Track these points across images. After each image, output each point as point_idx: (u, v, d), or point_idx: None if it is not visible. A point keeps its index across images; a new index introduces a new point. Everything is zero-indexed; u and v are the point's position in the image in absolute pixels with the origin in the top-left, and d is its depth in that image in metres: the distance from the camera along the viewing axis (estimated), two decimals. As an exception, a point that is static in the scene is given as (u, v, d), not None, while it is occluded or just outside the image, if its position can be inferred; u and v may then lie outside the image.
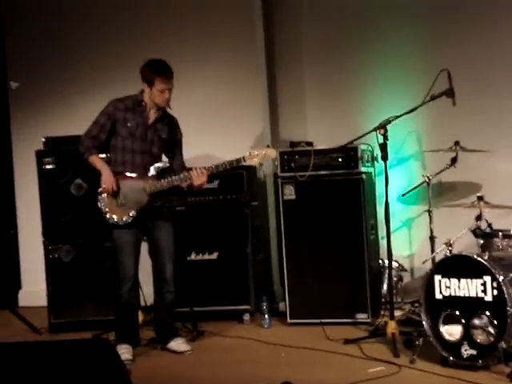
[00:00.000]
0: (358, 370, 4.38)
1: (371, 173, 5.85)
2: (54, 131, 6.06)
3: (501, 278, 4.19)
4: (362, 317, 5.54)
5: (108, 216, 4.80)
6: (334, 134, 6.05)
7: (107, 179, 4.80)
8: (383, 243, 5.44)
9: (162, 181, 4.83)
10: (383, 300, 5.70)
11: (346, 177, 5.62)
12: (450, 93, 4.81)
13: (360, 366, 4.48)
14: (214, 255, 5.92)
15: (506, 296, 4.15)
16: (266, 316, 5.64)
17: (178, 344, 5.03)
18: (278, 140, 6.50)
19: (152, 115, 4.91)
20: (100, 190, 4.83)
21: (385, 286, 5.78)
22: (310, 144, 5.91)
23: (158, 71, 4.83)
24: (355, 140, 5.18)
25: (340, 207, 5.63)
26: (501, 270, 4.23)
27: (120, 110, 4.85)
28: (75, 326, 5.67)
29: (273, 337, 5.27)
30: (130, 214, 4.78)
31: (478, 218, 5.06)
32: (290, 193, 5.73)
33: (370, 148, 5.73)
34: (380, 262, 5.89)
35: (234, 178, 5.87)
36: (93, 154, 4.88)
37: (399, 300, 5.83)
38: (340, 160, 5.65)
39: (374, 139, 4.89)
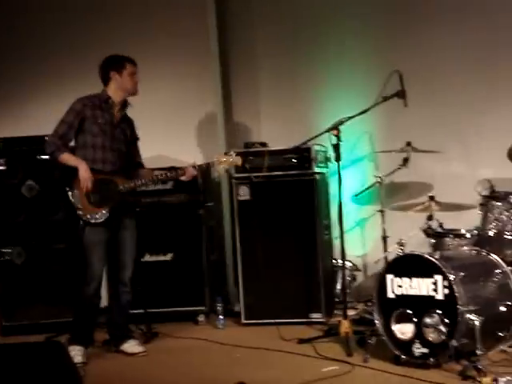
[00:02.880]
0: (311, 370, 4.40)
1: (325, 173, 5.90)
2: (3, 132, 5.96)
3: (451, 277, 4.25)
4: (316, 316, 5.57)
5: (81, 212, 4.74)
6: (288, 135, 6.08)
7: (85, 175, 4.72)
8: (337, 243, 5.49)
9: (137, 180, 4.83)
10: (337, 299, 5.75)
11: (300, 177, 5.65)
12: (401, 94, 4.86)
13: (314, 366, 4.50)
14: (169, 256, 5.90)
15: (457, 295, 4.20)
16: (221, 317, 5.64)
17: (131, 346, 5.00)
18: (232, 141, 6.51)
19: (117, 114, 4.90)
20: (68, 187, 4.76)
21: (338, 286, 5.84)
22: (264, 145, 5.93)
23: (125, 57, 4.89)
24: (309, 141, 5.21)
25: (294, 208, 5.66)
26: (452, 269, 4.29)
27: (88, 107, 4.79)
28: (27, 329, 5.59)
29: (227, 337, 5.27)
30: (104, 212, 4.73)
31: (430, 217, 5.15)
32: (244, 193, 5.74)
33: (323, 149, 5.78)
34: (334, 261, 5.95)
35: (189, 178, 5.85)
36: (63, 152, 4.77)
37: (353, 299, 5.90)
38: (294, 161, 5.68)
39: (328, 140, 4.92)
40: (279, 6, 6.47)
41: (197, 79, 6.40)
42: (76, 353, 4.71)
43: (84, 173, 4.71)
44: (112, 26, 6.43)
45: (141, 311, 5.49)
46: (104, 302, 5.26)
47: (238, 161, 4.96)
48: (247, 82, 6.60)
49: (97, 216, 4.72)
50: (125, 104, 4.94)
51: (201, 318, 5.82)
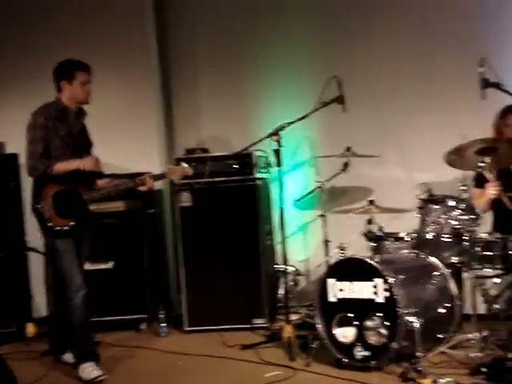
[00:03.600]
0: (254, 375, 4.41)
1: (266, 179, 5.92)
2: None
3: (391, 280, 4.30)
4: (259, 322, 5.58)
5: (50, 224, 4.58)
6: (230, 141, 6.09)
7: (87, 162, 4.61)
8: (279, 248, 5.50)
9: (100, 190, 4.73)
10: (280, 304, 5.76)
11: (242, 183, 5.66)
12: (340, 99, 4.92)
13: (257, 371, 4.51)
14: (110, 264, 5.83)
15: (397, 297, 4.27)
16: (163, 324, 5.60)
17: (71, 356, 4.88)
18: (173, 147, 6.49)
19: (76, 122, 4.76)
20: (36, 199, 4.61)
21: (281, 291, 5.85)
22: (205, 151, 5.93)
23: (77, 64, 4.70)
24: (250, 146, 5.22)
25: (236, 213, 5.66)
26: (391, 272, 4.35)
27: (50, 119, 4.60)
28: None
29: (170, 345, 5.24)
30: (71, 223, 4.60)
31: (370, 221, 5.22)
32: (186, 200, 5.71)
33: (264, 154, 5.80)
34: (276, 267, 5.96)
35: (129, 185, 5.80)
36: (53, 164, 4.57)
37: (296, 304, 5.92)
38: (235, 166, 5.69)
39: (269, 146, 4.93)
40: (219, 14, 6.46)
41: (137, 86, 6.34)
42: (92, 369, 4.56)
43: (86, 162, 4.61)
44: (64, 37, 6.32)
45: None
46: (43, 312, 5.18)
47: (189, 171, 4.93)
48: (188, 89, 6.57)
49: (66, 228, 4.59)
50: (80, 111, 4.80)
51: (143, 326, 5.77)
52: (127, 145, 6.23)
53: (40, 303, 5.77)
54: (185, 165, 4.95)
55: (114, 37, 6.35)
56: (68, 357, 4.90)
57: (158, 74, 6.48)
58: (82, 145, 4.78)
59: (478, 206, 4.81)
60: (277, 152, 4.87)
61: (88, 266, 5.71)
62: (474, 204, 4.78)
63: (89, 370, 4.53)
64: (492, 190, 4.71)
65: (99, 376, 4.51)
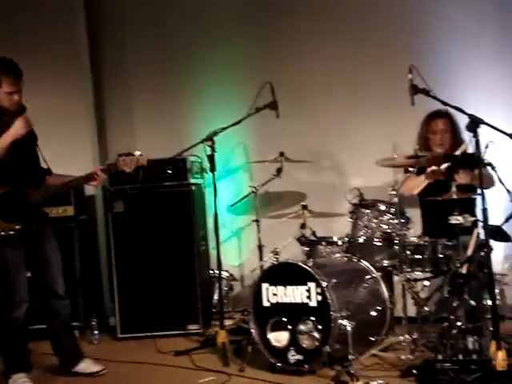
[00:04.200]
0: (188, 382, 4.40)
1: (200, 184, 5.92)
2: None
3: (324, 284, 4.35)
4: (193, 328, 5.57)
5: None
6: (163, 146, 6.03)
7: (17, 127, 4.34)
8: (213, 254, 5.50)
9: (47, 189, 4.50)
10: (214, 310, 5.76)
11: (176, 188, 5.64)
12: (273, 105, 4.95)
13: (191, 377, 4.49)
14: (41, 271, 5.71)
15: (330, 301, 4.31)
16: (96, 332, 5.53)
17: (88, 365, 4.68)
18: (106, 152, 6.41)
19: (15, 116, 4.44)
20: None
21: (216, 296, 5.84)
22: (138, 156, 5.86)
23: (5, 71, 4.36)
24: (184, 152, 5.18)
25: (170, 219, 5.64)
26: (324, 276, 4.39)
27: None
28: None
29: (103, 352, 5.16)
30: (17, 227, 4.35)
31: (303, 226, 5.26)
32: (119, 206, 5.66)
33: (198, 160, 5.79)
34: (211, 272, 5.95)
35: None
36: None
37: (230, 309, 5.92)
38: (169, 172, 5.66)
39: (203, 151, 4.93)
40: (151, 20, 6.43)
41: (69, 90, 6.25)
42: (23, 380, 4.42)
43: (18, 129, 4.34)
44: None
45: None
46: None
47: (144, 160, 4.59)
48: (121, 94, 6.50)
49: (11, 232, 4.34)
50: (23, 110, 4.49)
51: (75, 333, 5.67)
52: (59, 150, 6.05)
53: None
54: (138, 153, 4.63)
55: (45, 41, 6.24)
56: (82, 366, 4.69)
57: (90, 78, 6.40)
58: (25, 145, 4.45)
59: (407, 188, 4.92)
60: (211, 157, 4.86)
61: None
62: (404, 189, 4.93)
63: (20, 382, 4.41)
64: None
65: None
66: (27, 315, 4.50)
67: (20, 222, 4.37)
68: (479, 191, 4.04)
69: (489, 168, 4.30)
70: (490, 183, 4.54)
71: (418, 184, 4.99)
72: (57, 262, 4.59)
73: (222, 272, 5.38)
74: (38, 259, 4.53)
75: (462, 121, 4.12)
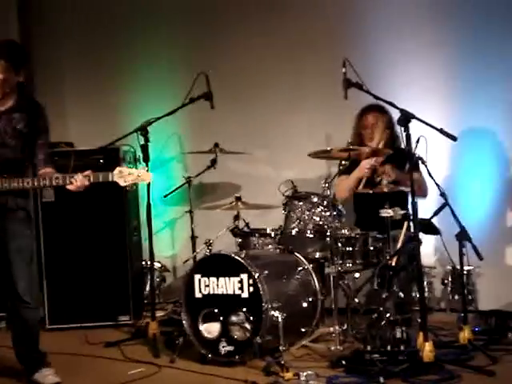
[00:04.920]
0: (118, 373, 4.33)
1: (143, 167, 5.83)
2: None
3: (256, 275, 4.35)
4: (124, 319, 5.52)
5: None
6: (96, 135, 5.96)
7: None
8: (146, 244, 5.44)
9: (4, 181, 4.01)
10: (146, 301, 5.71)
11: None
12: (208, 96, 4.93)
13: (120, 369, 4.43)
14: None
15: (262, 292, 4.31)
16: (24, 323, 5.41)
17: (44, 376, 4.20)
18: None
19: (5, 101, 4.07)
20: None
21: (147, 287, 5.80)
22: (70, 145, 5.78)
23: None
24: (116, 141, 5.12)
25: (102, 209, 5.56)
26: (257, 268, 4.39)
27: None
28: None
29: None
30: None
31: (236, 217, 5.27)
32: (49, 195, 5.55)
33: (132, 149, 5.72)
34: (143, 263, 5.91)
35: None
36: None
37: (162, 301, 5.89)
38: (101, 161, 5.58)
39: (136, 141, 4.87)
40: (85, 9, 6.34)
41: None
42: None
43: None
44: None
45: None
46: None
47: (148, 178, 4.12)
48: (53, 82, 6.40)
49: None
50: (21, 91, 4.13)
51: (1, 324, 5.56)
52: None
53: None
54: (143, 169, 4.17)
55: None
56: (38, 376, 4.21)
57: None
58: (7, 129, 4.08)
59: (341, 191, 4.98)
60: (144, 147, 4.81)
61: None
62: (337, 192, 4.96)
63: None
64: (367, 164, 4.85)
65: None
66: None
67: None
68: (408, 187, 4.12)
69: (423, 174, 4.38)
70: (422, 191, 4.65)
71: (348, 186, 5.06)
72: (18, 262, 4.14)
73: (155, 263, 5.35)
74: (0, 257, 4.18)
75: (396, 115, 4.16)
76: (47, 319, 5.50)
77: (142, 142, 4.82)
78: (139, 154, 5.12)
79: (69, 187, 4.05)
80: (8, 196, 4.06)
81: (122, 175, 4.03)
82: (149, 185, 4.81)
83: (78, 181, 4.01)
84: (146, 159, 4.81)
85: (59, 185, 4.07)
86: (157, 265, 5.86)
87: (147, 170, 4.16)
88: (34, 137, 4.17)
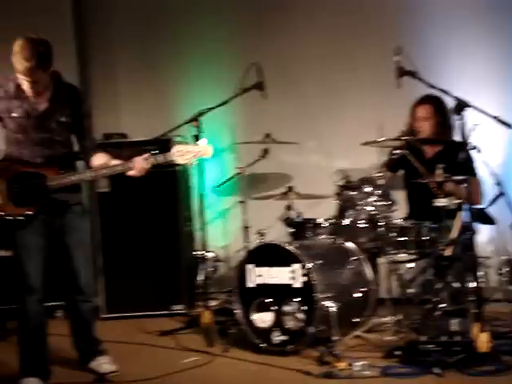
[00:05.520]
0: (172, 362, 4.39)
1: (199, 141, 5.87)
2: None
3: (309, 266, 4.35)
4: (178, 308, 5.59)
5: (1, 212, 3.95)
6: (149, 126, 6.00)
7: None
8: (199, 234, 5.49)
9: (70, 175, 3.97)
10: (199, 291, 5.75)
11: (161, 169, 5.49)
12: (260, 86, 4.94)
13: (175, 358, 4.49)
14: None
15: (314, 282, 4.32)
16: (80, 311, 5.51)
17: (100, 364, 4.22)
18: (91, 132, 6.36)
19: (42, 98, 3.97)
20: None
21: (200, 277, 5.83)
22: (123, 136, 5.84)
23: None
24: (169, 132, 5.18)
25: (156, 199, 5.62)
26: (309, 258, 4.40)
27: (1, 98, 3.97)
28: None
29: (87, 332, 5.15)
30: (28, 213, 3.94)
31: (288, 207, 5.27)
32: (104, 185, 5.63)
33: (184, 140, 5.75)
34: (196, 253, 5.94)
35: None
36: None
37: (215, 290, 5.92)
38: (154, 152, 5.62)
39: (189, 131, 4.90)
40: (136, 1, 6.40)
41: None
42: None
43: None
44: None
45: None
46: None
47: (208, 152, 3.98)
48: (107, 73, 6.45)
49: (19, 218, 3.94)
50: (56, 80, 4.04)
51: (59, 313, 5.67)
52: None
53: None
54: (203, 143, 4.04)
55: (31, 20, 6.19)
56: (94, 365, 4.24)
57: (76, 57, 6.35)
58: (52, 125, 4.00)
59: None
60: (197, 138, 4.84)
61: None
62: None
63: None
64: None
65: None
66: (43, 308, 4.09)
67: (32, 208, 3.96)
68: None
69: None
70: (477, 200, 4.58)
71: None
72: (78, 256, 4.13)
73: (207, 253, 5.38)
74: (60, 251, 4.14)
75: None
76: (103, 308, 5.59)
77: (195, 133, 4.84)
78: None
79: (130, 173, 3.95)
80: (62, 192, 4.01)
81: (182, 153, 3.93)
82: (201, 175, 4.83)
83: (138, 165, 3.92)
84: (199, 150, 4.82)
85: (119, 172, 3.99)
86: (210, 255, 5.87)
87: (207, 143, 4.00)
88: (79, 123, 4.11)
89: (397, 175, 5.27)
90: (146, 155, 3.97)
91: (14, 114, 3.97)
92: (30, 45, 3.82)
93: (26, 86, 3.92)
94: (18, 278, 4.06)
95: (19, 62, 3.81)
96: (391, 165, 5.09)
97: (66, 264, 4.15)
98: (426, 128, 5.11)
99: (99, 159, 4.08)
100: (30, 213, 3.96)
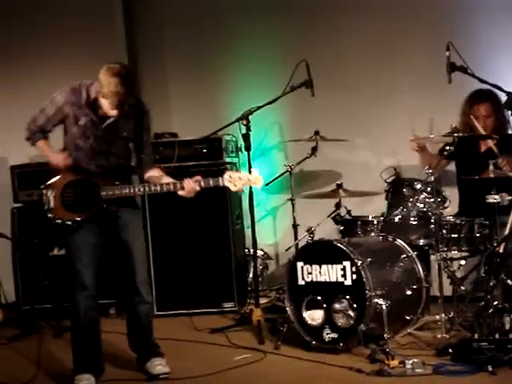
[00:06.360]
0: (224, 359, 4.42)
1: (236, 163, 5.93)
2: None
3: (359, 263, 4.34)
4: (228, 305, 5.61)
5: (51, 215, 4.07)
6: (199, 125, 6.06)
7: (55, 158, 4.09)
8: (248, 232, 5.51)
9: (123, 187, 4.06)
10: (249, 288, 5.79)
11: (211, 167, 5.64)
12: (308, 83, 4.93)
13: (226, 355, 4.53)
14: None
15: (365, 280, 4.30)
16: (133, 309, 5.58)
17: (153, 366, 4.25)
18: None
19: (110, 111, 4.04)
20: (43, 185, 4.09)
21: (251, 275, 5.87)
22: (174, 135, 5.91)
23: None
24: (219, 131, 5.21)
25: (205, 197, 5.58)
26: (359, 255, 4.38)
27: (70, 104, 4.07)
28: None
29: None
30: (77, 219, 4.04)
31: (338, 205, 5.26)
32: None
33: (233, 138, 5.80)
34: (246, 250, 5.98)
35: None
36: (39, 139, 4.19)
37: (265, 288, 5.95)
38: (205, 151, 5.70)
39: (238, 130, 4.93)
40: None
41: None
42: (86, 383, 4.06)
43: (53, 158, 4.10)
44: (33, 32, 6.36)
45: (49, 306, 5.39)
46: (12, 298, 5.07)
47: (259, 182, 4.05)
48: (156, 73, 6.55)
49: (67, 222, 4.05)
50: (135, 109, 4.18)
51: (112, 310, 5.76)
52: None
53: (8, 289, 5.72)
54: (255, 173, 4.11)
55: (81, 20, 6.31)
56: (147, 366, 4.27)
57: (127, 57, 6.43)
58: (112, 137, 4.10)
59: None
60: (246, 136, 4.86)
61: (55, 252, 5.71)
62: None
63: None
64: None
65: None
66: (95, 305, 4.16)
67: (82, 215, 4.06)
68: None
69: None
70: None
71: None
72: (136, 255, 4.18)
73: (257, 251, 5.40)
74: (116, 250, 4.22)
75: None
76: (155, 306, 5.64)
77: (244, 131, 4.87)
78: (241, 143, 5.18)
79: (180, 193, 4.04)
80: (116, 203, 4.10)
81: (233, 180, 4.00)
82: (250, 173, 4.83)
83: (188, 186, 4.00)
84: (248, 148, 4.86)
85: (170, 191, 4.07)
86: (260, 252, 5.91)
87: (257, 174, 4.10)
88: (140, 138, 4.20)
89: (449, 163, 5.19)
90: (197, 177, 4.04)
91: (80, 122, 4.07)
92: (129, 84, 3.96)
93: (102, 101, 4.00)
94: (71, 275, 4.14)
95: (110, 94, 3.92)
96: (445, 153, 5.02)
97: (124, 261, 4.20)
98: (489, 126, 5.03)
99: (153, 175, 4.18)
100: (79, 219, 4.05)
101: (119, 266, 4.25)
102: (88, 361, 4.16)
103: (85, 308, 4.13)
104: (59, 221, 4.07)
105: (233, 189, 4.02)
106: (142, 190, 4.09)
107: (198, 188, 4.03)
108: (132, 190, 4.07)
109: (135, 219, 4.26)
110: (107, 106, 4.00)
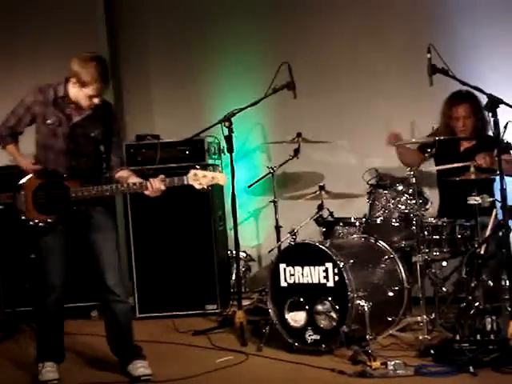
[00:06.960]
0: (206, 361, 4.41)
1: (218, 165, 5.92)
2: None
3: (341, 265, 4.34)
4: (211, 308, 5.61)
5: (24, 217, 4.13)
6: (181, 127, 6.05)
7: (24, 162, 4.17)
8: (231, 234, 5.52)
9: (92, 188, 4.09)
10: (232, 290, 5.78)
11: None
12: (290, 85, 4.94)
13: (209, 357, 4.52)
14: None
15: (347, 281, 4.31)
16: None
17: (135, 368, 4.22)
18: (124, 133, 6.42)
19: (80, 111, 4.12)
20: (15, 186, 4.16)
21: (233, 277, 5.87)
22: (156, 137, 5.88)
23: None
24: (201, 132, 5.20)
25: (188, 199, 5.64)
26: (341, 257, 4.39)
27: (39, 103, 4.12)
28: None
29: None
30: (48, 221, 4.10)
31: (320, 207, 5.27)
32: (137, 186, 5.66)
33: (216, 140, 5.80)
34: (228, 252, 5.98)
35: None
36: (8, 143, 4.23)
37: (248, 290, 5.95)
38: (187, 152, 5.69)
39: (220, 132, 4.93)
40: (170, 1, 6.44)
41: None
42: (47, 370, 4.19)
43: (23, 164, 4.17)
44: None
45: (30, 308, 5.34)
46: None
47: (222, 180, 4.08)
48: (139, 75, 6.52)
49: (40, 224, 4.11)
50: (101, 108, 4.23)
51: (94, 313, 5.73)
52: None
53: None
54: (219, 172, 4.21)
55: (62, 22, 6.28)
56: (130, 368, 4.24)
57: (109, 59, 6.37)
58: (80, 138, 4.15)
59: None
60: (228, 138, 4.86)
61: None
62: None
63: (45, 371, 4.21)
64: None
65: (55, 380, 4.20)
66: (61, 305, 4.27)
67: (53, 216, 4.11)
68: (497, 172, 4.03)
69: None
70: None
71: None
72: (106, 255, 4.20)
73: (240, 252, 5.39)
74: (86, 249, 4.24)
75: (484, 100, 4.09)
76: (137, 308, 5.63)
77: (226, 133, 4.87)
78: (223, 144, 5.18)
79: (146, 193, 4.08)
80: (86, 204, 4.15)
81: (197, 178, 4.03)
82: (233, 175, 4.86)
83: (154, 186, 4.04)
84: (231, 150, 4.86)
85: (136, 191, 4.13)
86: (242, 254, 5.91)
87: (221, 172, 4.20)
88: (109, 139, 4.23)
89: (427, 158, 5.21)
90: (161, 176, 4.08)
91: (48, 121, 4.12)
92: (106, 68, 4.06)
93: (80, 95, 4.05)
94: (39, 275, 4.23)
95: (92, 79, 3.98)
96: (426, 155, 5.06)
97: (93, 261, 4.23)
98: (468, 126, 5.06)
99: (122, 175, 4.22)
100: (50, 220, 4.11)
101: (90, 267, 4.28)
102: (50, 350, 4.27)
103: (51, 306, 4.22)
104: (32, 222, 4.14)
105: (197, 187, 4.04)
106: (109, 190, 4.13)
107: (163, 187, 4.06)
108: (100, 190, 4.12)
109: (107, 220, 4.28)
110: (85, 98, 4.05)
